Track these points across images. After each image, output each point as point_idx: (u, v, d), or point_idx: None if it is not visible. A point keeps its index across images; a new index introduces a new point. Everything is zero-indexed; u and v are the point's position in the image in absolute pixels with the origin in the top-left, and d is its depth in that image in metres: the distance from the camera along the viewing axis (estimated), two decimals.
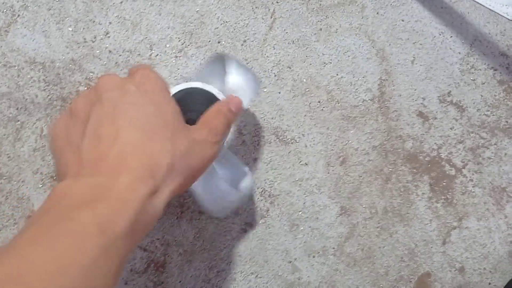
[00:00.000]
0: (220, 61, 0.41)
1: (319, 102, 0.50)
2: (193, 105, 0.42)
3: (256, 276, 0.46)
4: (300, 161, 0.48)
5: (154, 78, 0.32)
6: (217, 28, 0.49)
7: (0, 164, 0.45)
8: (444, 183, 0.50)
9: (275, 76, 0.49)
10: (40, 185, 0.45)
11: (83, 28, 0.48)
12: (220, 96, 0.38)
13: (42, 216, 0.25)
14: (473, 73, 0.52)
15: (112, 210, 0.25)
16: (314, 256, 0.47)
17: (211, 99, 0.39)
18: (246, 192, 0.42)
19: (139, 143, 0.28)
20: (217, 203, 0.40)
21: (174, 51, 0.49)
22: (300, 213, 0.48)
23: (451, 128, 0.51)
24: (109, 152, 0.27)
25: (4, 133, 0.45)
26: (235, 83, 0.39)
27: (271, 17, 0.50)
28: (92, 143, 0.28)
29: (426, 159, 0.50)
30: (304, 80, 0.50)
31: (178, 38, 0.49)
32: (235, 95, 0.38)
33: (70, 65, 0.47)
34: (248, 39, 0.50)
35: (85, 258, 0.23)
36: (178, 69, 0.48)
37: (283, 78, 0.50)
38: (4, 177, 0.45)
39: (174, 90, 0.38)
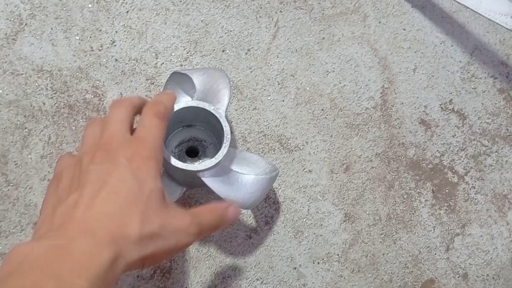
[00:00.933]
0: (181, 77, 0.42)
1: (322, 110, 0.50)
2: (196, 118, 0.44)
3: (262, 282, 0.47)
4: (304, 168, 0.49)
5: (147, 142, 0.32)
6: (221, 37, 0.50)
7: (8, 171, 0.45)
8: (446, 190, 0.50)
9: (278, 84, 0.50)
10: None
11: (90, 37, 0.49)
12: (222, 119, 0.40)
13: (5, 280, 0.25)
14: (473, 81, 0.52)
15: (75, 277, 0.25)
16: (318, 263, 0.48)
17: (210, 116, 0.41)
18: (268, 176, 0.41)
19: (110, 214, 0.28)
20: (246, 195, 0.40)
21: (179, 59, 0.49)
22: (305, 219, 0.48)
23: (453, 136, 0.51)
24: (79, 218, 0.28)
25: (11, 140, 0.46)
26: (206, 88, 0.41)
27: (275, 26, 0.51)
28: (67, 209, 0.29)
29: (429, 166, 0.51)
30: (308, 88, 0.50)
31: (183, 47, 0.50)
32: (211, 98, 0.41)
33: (77, 73, 0.48)
34: (252, 48, 0.50)
35: None
36: None
37: (286, 87, 0.50)
38: (12, 184, 0.45)
39: (177, 107, 0.40)
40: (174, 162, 0.38)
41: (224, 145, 0.39)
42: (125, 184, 0.30)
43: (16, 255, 0.26)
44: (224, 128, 0.40)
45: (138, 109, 0.36)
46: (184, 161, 0.41)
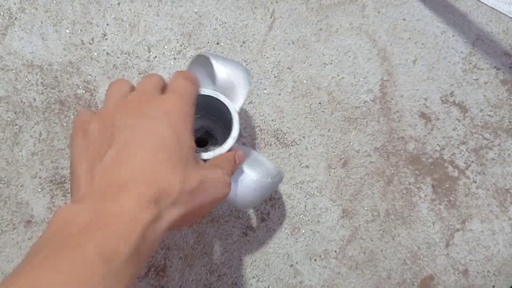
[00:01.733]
0: (205, 62, 0.40)
1: (319, 103, 0.49)
2: (208, 110, 0.42)
3: (258, 280, 0.46)
4: (301, 164, 0.48)
5: (185, 100, 0.31)
6: (215, 29, 0.49)
7: None
8: (447, 185, 0.49)
9: (275, 77, 0.49)
10: (39, 190, 0.45)
11: (81, 30, 0.47)
12: (231, 108, 0.38)
13: (47, 243, 0.24)
14: (475, 72, 0.51)
15: (114, 238, 0.24)
16: (315, 260, 0.47)
17: (220, 106, 0.39)
18: (274, 179, 0.40)
19: (150, 170, 0.28)
20: (247, 197, 0.39)
21: (172, 52, 0.48)
22: (301, 216, 0.47)
23: (453, 129, 0.50)
24: (119, 177, 0.27)
25: (2, 137, 0.45)
26: (225, 81, 0.39)
27: (271, 17, 0.50)
28: (105, 167, 0.28)
29: (429, 160, 0.49)
30: (305, 81, 0.49)
31: (177, 39, 0.48)
32: (228, 93, 0.38)
33: (68, 68, 0.47)
34: (247, 40, 0.49)
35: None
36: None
37: (283, 80, 0.49)
38: (3, 182, 0.44)
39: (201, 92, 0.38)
40: None
41: (230, 139, 0.37)
42: (165, 142, 0.29)
43: (59, 220, 0.25)
44: (233, 126, 0.38)
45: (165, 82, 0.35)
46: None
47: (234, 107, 0.38)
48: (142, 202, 0.26)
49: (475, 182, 0.50)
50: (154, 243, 0.26)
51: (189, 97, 0.32)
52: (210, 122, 0.44)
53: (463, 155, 0.50)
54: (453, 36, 0.51)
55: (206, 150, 0.43)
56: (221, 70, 0.39)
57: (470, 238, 0.49)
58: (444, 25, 0.51)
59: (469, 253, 0.48)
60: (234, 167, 0.35)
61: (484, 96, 0.51)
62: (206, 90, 0.38)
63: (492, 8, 0.46)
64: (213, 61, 0.38)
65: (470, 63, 0.51)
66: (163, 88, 0.33)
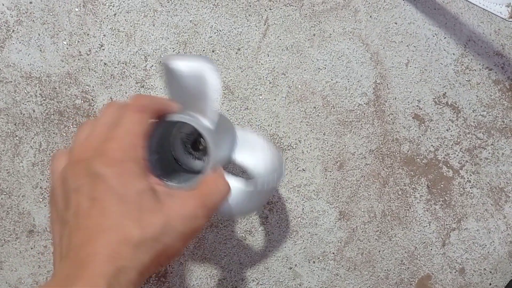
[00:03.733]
0: (168, 69, 0.36)
1: (314, 107, 0.50)
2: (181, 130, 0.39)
3: (257, 283, 0.47)
4: (298, 167, 0.49)
5: (125, 137, 0.30)
6: (211, 37, 0.50)
7: (0, 179, 0.45)
8: (442, 185, 0.50)
9: (270, 83, 0.50)
10: (41, 199, 0.46)
11: (78, 41, 0.48)
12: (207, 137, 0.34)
13: None
14: (468, 73, 0.52)
15: None
16: (314, 262, 0.48)
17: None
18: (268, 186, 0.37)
19: (105, 230, 0.27)
20: (243, 207, 0.37)
21: None
22: (299, 219, 0.48)
23: (447, 130, 0.51)
24: (76, 247, 0.27)
25: (3, 149, 0.46)
26: (191, 86, 0.34)
27: (265, 24, 0.51)
28: (66, 240, 0.28)
29: (423, 161, 0.50)
30: (299, 86, 0.50)
31: (173, 48, 0.49)
32: (198, 98, 0.34)
33: (66, 79, 0.48)
34: (242, 47, 0.50)
35: None
36: None
37: (278, 85, 0.50)
38: (5, 193, 0.45)
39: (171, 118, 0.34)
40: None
41: (205, 167, 0.34)
42: (112, 196, 0.28)
43: None
44: (208, 152, 0.33)
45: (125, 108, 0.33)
46: (193, 156, 0.39)
47: (207, 130, 0.33)
48: (94, 273, 0.26)
49: (469, 181, 0.50)
50: None
51: (130, 138, 0.30)
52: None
53: (457, 155, 0.51)
54: (445, 38, 0.52)
55: (201, 158, 0.39)
56: (184, 72, 0.34)
57: (466, 237, 0.49)
58: (436, 27, 0.52)
59: (465, 251, 0.49)
60: (223, 193, 0.32)
61: (477, 96, 0.52)
62: (175, 116, 0.34)
63: (483, 9, 0.47)
64: (171, 65, 0.35)
65: (462, 65, 0.52)
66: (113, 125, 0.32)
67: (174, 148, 0.38)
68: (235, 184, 0.35)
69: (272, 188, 0.39)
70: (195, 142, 0.40)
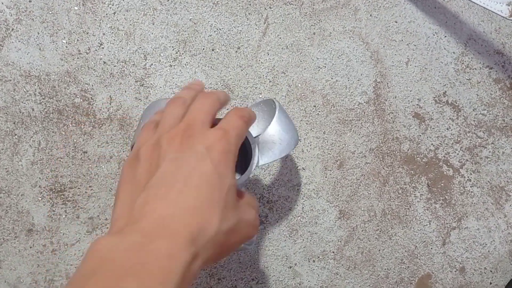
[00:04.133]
0: (271, 105, 0.40)
1: (314, 106, 0.50)
2: None
3: (257, 282, 0.46)
4: (298, 166, 0.49)
5: (230, 138, 0.31)
6: (210, 35, 0.50)
7: None
8: (442, 184, 0.50)
9: (270, 82, 0.50)
10: (40, 198, 0.46)
11: (77, 40, 0.48)
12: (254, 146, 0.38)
13: (85, 282, 0.25)
14: (468, 72, 0.52)
15: (154, 281, 0.24)
16: (314, 261, 0.47)
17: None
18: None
19: (191, 210, 0.28)
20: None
21: (168, 60, 0.49)
22: (299, 218, 0.48)
23: (447, 129, 0.51)
24: (158, 213, 0.27)
25: (2, 148, 0.46)
26: (277, 131, 0.39)
27: (265, 23, 0.50)
28: (146, 201, 0.28)
29: (423, 160, 0.50)
30: (299, 85, 0.50)
31: (172, 47, 0.49)
32: (272, 145, 0.38)
33: (65, 78, 0.47)
34: (242, 45, 0.50)
35: None
36: (173, 78, 0.49)
37: (278, 84, 0.50)
38: (3, 192, 0.45)
39: None
40: None
41: (254, 155, 0.37)
42: (206, 179, 0.29)
43: (97, 251, 0.26)
44: (252, 151, 0.37)
45: (222, 105, 0.35)
46: None
47: (255, 143, 0.38)
48: (180, 242, 0.26)
49: (470, 180, 0.50)
50: (191, 282, 0.26)
51: (235, 135, 0.32)
52: None
53: (458, 154, 0.50)
54: (445, 36, 0.52)
55: None
56: (279, 121, 0.39)
57: (466, 236, 0.49)
58: (436, 26, 0.52)
59: (465, 250, 0.49)
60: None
61: (477, 95, 0.51)
62: None
63: (484, 7, 0.47)
64: (278, 109, 0.39)
65: (463, 63, 0.52)
66: (213, 119, 0.33)
67: None
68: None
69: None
70: None
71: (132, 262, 0.25)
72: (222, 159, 0.30)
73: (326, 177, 0.49)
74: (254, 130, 0.40)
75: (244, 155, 0.40)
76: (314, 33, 0.51)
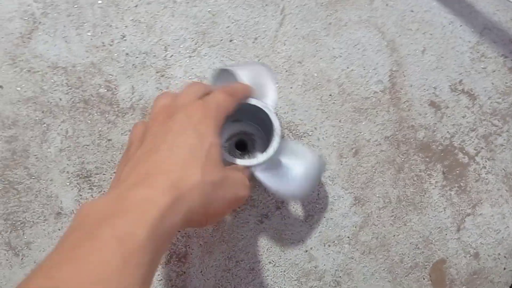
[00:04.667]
0: (226, 74, 0.42)
1: (330, 95, 0.51)
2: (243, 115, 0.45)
3: (274, 265, 0.48)
4: None
5: (209, 105, 0.34)
6: (228, 27, 0.51)
7: (29, 164, 0.47)
8: (457, 171, 0.51)
9: (286, 71, 0.51)
10: (67, 183, 0.48)
11: (101, 33, 0.50)
12: (272, 116, 0.40)
13: (68, 237, 0.26)
14: (483, 61, 0.52)
15: (130, 222, 0.25)
16: (329, 245, 0.49)
17: (260, 112, 0.41)
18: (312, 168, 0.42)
19: (172, 164, 0.29)
20: (296, 189, 0.41)
21: (188, 51, 0.50)
22: (315, 204, 0.49)
23: (463, 117, 0.51)
24: (139, 170, 0.29)
25: (31, 135, 0.48)
26: (252, 84, 0.41)
27: (281, 14, 0.52)
28: (131, 165, 0.30)
29: (439, 148, 0.51)
30: (315, 75, 0.51)
31: (191, 38, 0.51)
32: (258, 94, 0.41)
33: (90, 69, 0.49)
34: (259, 36, 0.51)
35: (107, 271, 0.23)
36: (192, 68, 0.50)
37: (294, 73, 0.51)
38: (33, 177, 0.48)
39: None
40: (227, 157, 0.39)
41: (274, 139, 0.40)
42: (185, 137, 0.31)
43: (81, 213, 0.27)
44: (273, 124, 0.40)
45: (207, 89, 0.37)
46: (234, 155, 0.42)
47: (270, 109, 0.40)
48: (158, 187, 0.27)
49: (485, 167, 0.51)
50: (172, 228, 0.27)
51: (217, 104, 0.34)
52: (248, 126, 0.47)
53: (473, 141, 0.51)
54: (461, 26, 0.52)
55: (248, 155, 0.46)
56: (245, 76, 0.41)
57: (481, 222, 0.50)
58: (452, 15, 0.52)
59: (480, 236, 0.50)
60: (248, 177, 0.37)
61: (492, 84, 0.52)
62: (253, 100, 0.41)
63: None
64: (234, 71, 0.41)
65: (478, 52, 0.52)
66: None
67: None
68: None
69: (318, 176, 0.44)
70: (240, 143, 0.47)
71: (109, 211, 0.26)
72: (202, 121, 0.32)
73: (341, 164, 0.50)
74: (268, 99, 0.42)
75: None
76: (330, 23, 0.52)
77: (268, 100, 0.42)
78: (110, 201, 0.27)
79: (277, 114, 0.41)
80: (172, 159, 0.30)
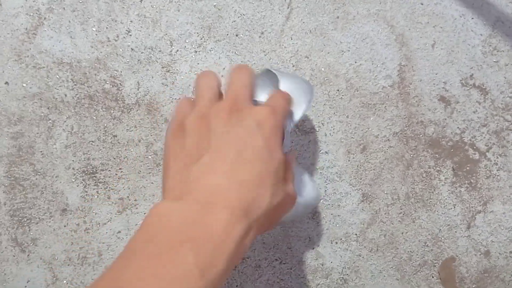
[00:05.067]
0: (271, 76, 0.41)
1: (338, 90, 0.50)
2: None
3: (280, 262, 0.48)
4: (321, 150, 0.49)
5: (278, 115, 0.32)
6: (234, 21, 0.50)
7: (35, 160, 0.47)
8: (467, 168, 0.49)
9: (293, 66, 0.50)
10: (73, 180, 0.48)
11: (106, 28, 0.50)
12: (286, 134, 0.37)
13: (145, 244, 0.25)
14: (495, 54, 0.51)
15: (211, 250, 0.25)
16: (336, 243, 0.48)
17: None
18: (310, 201, 0.39)
19: (245, 184, 0.28)
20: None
21: (193, 46, 0.50)
22: (322, 200, 0.48)
23: (474, 112, 0.50)
24: (214, 184, 0.28)
25: (37, 132, 0.48)
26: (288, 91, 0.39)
27: (288, 8, 0.51)
28: (200, 172, 0.29)
29: (449, 144, 0.50)
30: (323, 69, 0.50)
31: (197, 33, 0.50)
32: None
33: (96, 64, 0.49)
34: (265, 30, 0.50)
35: None
36: (198, 63, 0.50)
37: (301, 68, 0.50)
38: (39, 173, 0.47)
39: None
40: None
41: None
42: (258, 153, 0.29)
43: (157, 217, 0.27)
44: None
45: (255, 78, 0.36)
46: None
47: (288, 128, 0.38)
48: (234, 214, 0.27)
49: (496, 164, 0.50)
50: (242, 254, 0.27)
51: (282, 112, 0.33)
52: None
53: (484, 137, 0.50)
54: (472, 18, 0.51)
55: None
56: (286, 85, 0.39)
57: (492, 220, 0.49)
58: (463, 8, 0.51)
59: (490, 234, 0.49)
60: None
61: (505, 78, 0.51)
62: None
63: None
64: (279, 77, 0.39)
65: (490, 45, 0.51)
66: (251, 97, 0.34)
67: None
68: None
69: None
70: None
71: (190, 230, 0.26)
72: (272, 135, 0.30)
73: (349, 160, 0.49)
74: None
75: None
76: (337, 17, 0.51)
77: (294, 114, 0.39)
78: (187, 217, 0.26)
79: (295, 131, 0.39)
80: (245, 178, 0.29)
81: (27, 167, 0.47)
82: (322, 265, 0.48)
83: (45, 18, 0.49)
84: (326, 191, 0.48)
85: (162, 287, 0.23)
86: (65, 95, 0.49)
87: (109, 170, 0.48)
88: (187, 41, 0.50)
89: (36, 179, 0.47)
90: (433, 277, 0.48)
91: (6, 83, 0.48)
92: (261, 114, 0.31)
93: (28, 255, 0.47)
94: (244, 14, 0.50)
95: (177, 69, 0.50)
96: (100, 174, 0.48)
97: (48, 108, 0.48)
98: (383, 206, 0.49)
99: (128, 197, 0.49)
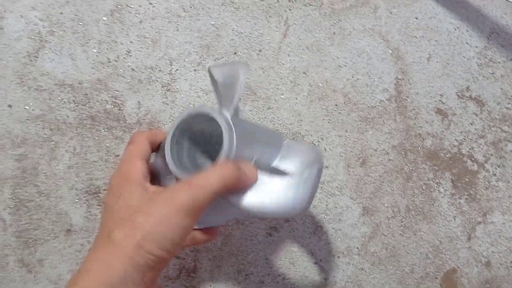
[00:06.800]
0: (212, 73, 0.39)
1: (336, 105, 0.50)
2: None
3: (284, 278, 0.48)
4: None
5: (121, 167, 0.37)
6: (232, 39, 0.51)
7: (39, 182, 0.48)
8: (466, 179, 0.50)
9: (291, 82, 0.51)
10: (76, 200, 0.48)
11: (107, 49, 0.50)
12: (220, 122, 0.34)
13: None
14: (491, 66, 0.51)
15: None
16: (339, 257, 0.49)
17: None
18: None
19: (131, 216, 0.32)
20: (280, 203, 0.34)
21: (192, 64, 0.51)
22: (323, 215, 0.49)
23: (471, 124, 0.51)
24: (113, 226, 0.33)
25: (40, 153, 0.49)
26: (225, 83, 0.37)
27: (285, 25, 0.52)
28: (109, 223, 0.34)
29: (447, 155, 0.50)
30: (320, 85, 0.51)
31: (196, 52, 0.51)
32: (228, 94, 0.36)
33: (97, 85, 0.50)
34: (263, 48, 0.51)
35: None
36: (198, 82, 0.50)
37: (299, 84, 0.51)
38: (43, 194, 0.48)
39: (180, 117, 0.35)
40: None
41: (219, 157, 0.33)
42: (121, 205, 0.35)
43: None
44: (223, 132, 0.33)
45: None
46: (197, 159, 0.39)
47: (224, 120, 0.34)
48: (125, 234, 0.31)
49: (495, 175, 0.50)
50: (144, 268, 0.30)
51: (128, 156, 0.37)
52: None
53: (482, 148, 0.50)
54: (467, 31, 0.52)
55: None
56: (218, 74, 0.37)
57: (492, 231, 0.49)
58: (458, 21, 0.52)
59: (491, 245, 0.49)
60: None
61: (501, 89, 0.51)
62: (198, 108, 0.35)
63: (506, 0, 0.47)
64: (211, 69, 0.38)
65: (486, 57, 0.51)
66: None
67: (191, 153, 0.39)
68: (272, 179, 0.34)
69: (313, 181, 0.37)
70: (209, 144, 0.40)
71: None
72: (124, 192, 0.36)
73: (349, 174, 0.50)
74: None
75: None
76: (334, 33, 0.52)
77: (230, 102, 0.36)
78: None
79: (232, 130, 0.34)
80: (126, 215, 0.34)
81: (31, 189, 0.48)
82: (325, 279, 0.48)
83: (46, 41, 0.50)
84: (327, 205, 0.49)
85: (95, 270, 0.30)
86: (67, 116, 0.49)
87: None
88: (186, 60, 0.51)
89: (40, 200, 0.48)
90: None
91: (9, 105, 0.49)
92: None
93: (34, 276, 0.48)
94: (242, 32, 0.51)
95: (177, 88, 0.50)
96: (103, 194, 0.48)
97: (50, 130, 0.49)
98: (384, 219, 0.49)
99: None
